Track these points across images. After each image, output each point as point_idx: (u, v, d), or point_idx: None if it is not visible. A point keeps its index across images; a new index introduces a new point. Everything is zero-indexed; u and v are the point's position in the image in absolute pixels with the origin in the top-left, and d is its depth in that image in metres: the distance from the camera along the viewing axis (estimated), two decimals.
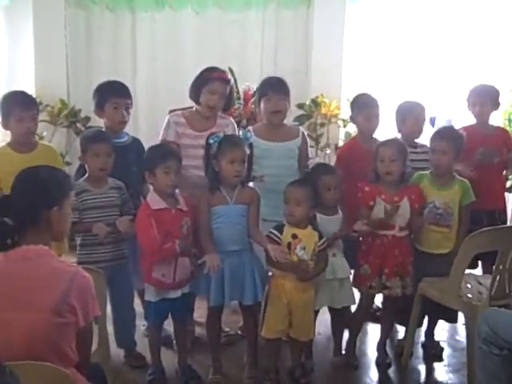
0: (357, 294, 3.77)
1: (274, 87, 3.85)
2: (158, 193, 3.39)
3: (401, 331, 4.06)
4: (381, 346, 3.86)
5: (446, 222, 3.73)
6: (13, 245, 2.24)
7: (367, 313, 3.97)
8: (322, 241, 3.44)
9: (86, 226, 3.46)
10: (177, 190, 3.46)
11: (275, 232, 3.41)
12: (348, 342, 3.86)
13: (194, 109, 3.92)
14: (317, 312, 3.67)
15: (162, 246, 3.29)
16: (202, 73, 3.83)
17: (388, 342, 3.96)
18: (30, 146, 3.73)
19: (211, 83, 3.77)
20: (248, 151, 3.50)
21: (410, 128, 4.11)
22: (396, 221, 3.62)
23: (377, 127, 4.11)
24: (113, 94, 3.81)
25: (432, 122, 5.32)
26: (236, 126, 4.05)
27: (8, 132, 3.75)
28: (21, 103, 3.66)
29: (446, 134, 3.80)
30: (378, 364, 3.81)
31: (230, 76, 3.94)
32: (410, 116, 4.11)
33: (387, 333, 3.90)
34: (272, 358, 3.57)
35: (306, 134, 4.10)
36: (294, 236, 3.39)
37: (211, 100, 3.78)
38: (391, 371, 3.77)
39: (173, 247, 3.29)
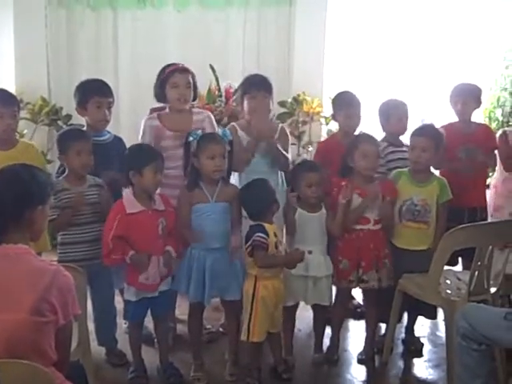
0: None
1: (258, 86, 3.85)
2: (137, 194, 3.38)
3: (382, 327, 4.08)
4: (368, 342, 3.87)
5: (424, 219, 3.76)
6: None
7: (345, 308, 3.99)
8: None
9: (63, 216, 3.45)
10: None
11: (263, 235, 3.35)
12: (331, 338, 3.89)
13: (167, 110, 3.91)
14: (295, 308, 3.70)
15: (110, 254, 3.32)
16: (158, 74, 3.85)
17: None
18: (10, 143, 3.72)
19: (171, 78, 3.77)
20: (228, 148, 3.51)
21: (394, 126, 4.15)
22: (370, 214, 3.67)
23: (358, 125, 4.13)
24: (95, 93, 3.81)
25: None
26: (213, 118, 4.03)
27: None
28: (0, 100, 3.64)
29: (425, 131, 3.83)
30: (363, 359, 3.82)
31: (186, 65, 3.88)
32: (394, 114, 4.15)
33: (374, 327, 3.90)
34: (255, 357, 3.57)
35: (287, 130, 4.11)
36: (275, 234, 3.41)
37: (177, 93, 3.77)
38: (372, 367, 3.79)
39: (120, 260, 3.32)
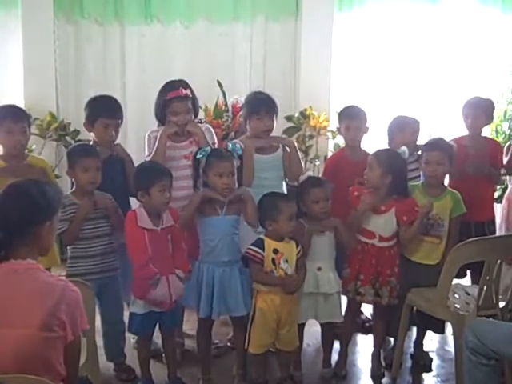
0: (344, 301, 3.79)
1: (267, 107, 3.87)
2: (148, 211, 3.38)
3: (391, 341, 4.06)
4: (375, 357, 3.86)
5: (437, 233, 3.75)
6: (0, 259, 2.23)
7: (354, 320, 3.97)
8: (299, 249, 3.44)
9: (73, 226, 3.44)
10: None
11: (256, 249, 3.36)
12: (339, 353, 3.87)
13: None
14: (303, 324, 3.67)
15: (148, 263, 3.30)
16: (159, 94, 3.86)
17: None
18: (21, 159, 3.73)
19: (171, 105, 3.78)
20: (238, 163, 3.52)
21: (406, 141, 4.10)
22: (376, 230, 3.66)
23: (359, 139, 4.15)
24: (104, 114, 3.81)
25: None
26: (212, 130, 4.05)
27: None
28: (10, 116, 3.67)
29: (438, 145, 3.82)
30: (372, 375, 3.81)
31: (186, 90, 3.83)
32: (407, 130, 4.17)
33: (380, 343, 3.89)
34: (261, 370, 3.56)
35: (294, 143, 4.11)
36: (276, 251, 3.38)
37: (178, 120, 3.79)
38: (381, 382, 3.77)
39: (155, 272, 3.30)
